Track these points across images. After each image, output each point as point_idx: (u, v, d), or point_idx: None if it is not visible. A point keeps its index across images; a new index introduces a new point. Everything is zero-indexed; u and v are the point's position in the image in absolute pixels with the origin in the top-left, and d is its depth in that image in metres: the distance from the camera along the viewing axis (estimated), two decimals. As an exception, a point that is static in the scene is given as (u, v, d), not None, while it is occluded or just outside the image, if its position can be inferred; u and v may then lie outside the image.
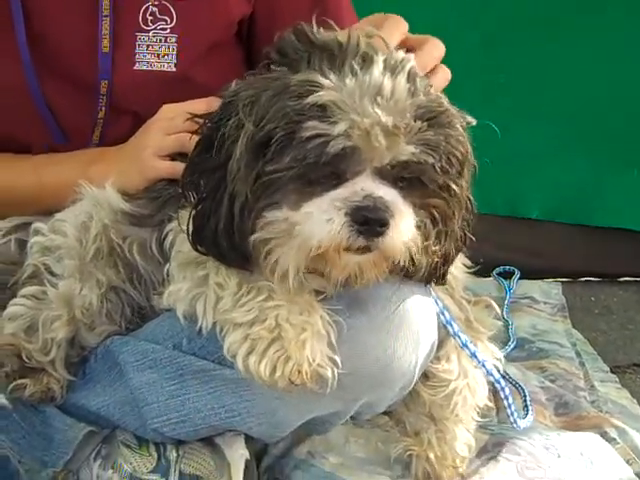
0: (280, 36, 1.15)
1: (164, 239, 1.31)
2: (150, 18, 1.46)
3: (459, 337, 1.32)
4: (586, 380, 1.82)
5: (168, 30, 1.46)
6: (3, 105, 1.52)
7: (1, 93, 1.49)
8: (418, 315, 1.28)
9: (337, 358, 1.16)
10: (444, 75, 1.25)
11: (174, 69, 1.47)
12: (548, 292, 2.25)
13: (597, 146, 2.36)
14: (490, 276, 2.26)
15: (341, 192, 1.05)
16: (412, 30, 1.27)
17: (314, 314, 1.17)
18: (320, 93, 1.02)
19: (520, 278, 2.27)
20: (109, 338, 1.41)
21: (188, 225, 1.17)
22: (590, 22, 2.25)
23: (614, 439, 1.58)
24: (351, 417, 1.40)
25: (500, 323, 1.49)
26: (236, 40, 1.55)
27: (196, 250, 1.18)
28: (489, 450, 1.49)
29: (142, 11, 1.46)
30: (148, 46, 1.46)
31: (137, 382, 1.34)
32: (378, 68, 1.05)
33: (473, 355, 1.33)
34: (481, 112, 1.15)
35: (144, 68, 1.47)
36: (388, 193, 1.06)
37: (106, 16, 1.43)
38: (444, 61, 1.25)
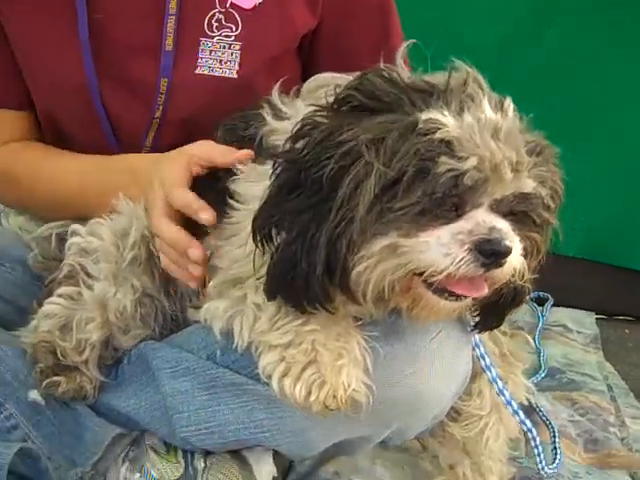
0: (360, 78, 1.12)
1: None
2: (216, 24, 1.44)
3: (490, 371, 1.32)
4: (617, 416, 1.79)
5: (233, 37, 1.45)
6: (65, 103, 1.52)
7: (63, 90, 1.49)
8: (454, 346, 1.27)
9: (372, 384, 1.16)
10: None
11: (235, 76, 1.46)
12: (582, 321, 2.21)
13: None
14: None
15: (463, 225, 1.05)
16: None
17: (351, 340, 1.16)
18: (446, 129, 1.03)
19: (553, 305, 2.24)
20: (143, 342, 1.41)
21: (268, 275, 1.11)
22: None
23: (644, 481, 1.56)
24: (380, 442, 1.39)
25: (534, 356, 1.46)
26: (297, 52, 1.54)
27: (271, 299, 1.14)
28: (517, 484, 1.48)
29: (208, 17, 1.44)
30: (211, 52, 1.45)
31: (169, 389, 1.35)
32: (486, 106, 1.06)
33: (501, 392, 1.32)
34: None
35: (205, 72, 1.45)
36: (505, 225, 1.07)
37: (172, 15, 1.42)
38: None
